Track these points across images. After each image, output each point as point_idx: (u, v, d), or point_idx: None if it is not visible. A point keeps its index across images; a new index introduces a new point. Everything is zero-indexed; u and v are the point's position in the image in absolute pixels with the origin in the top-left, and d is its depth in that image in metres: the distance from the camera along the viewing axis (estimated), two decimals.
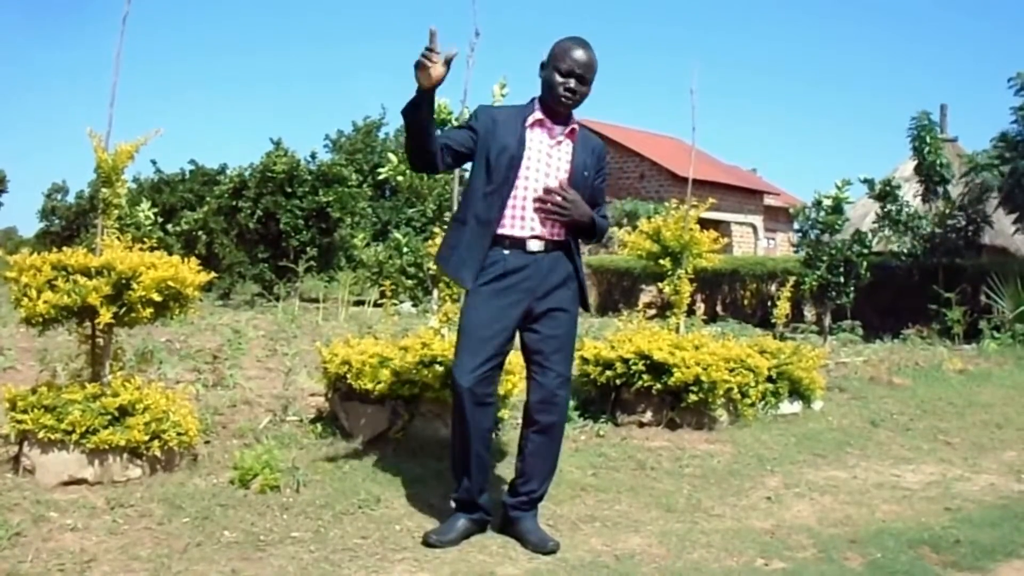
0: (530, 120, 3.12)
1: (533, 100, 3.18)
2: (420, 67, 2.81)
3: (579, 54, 3.07)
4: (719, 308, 14.70)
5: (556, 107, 3.10)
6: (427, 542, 3.04)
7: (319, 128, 67.65)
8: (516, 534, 3.12)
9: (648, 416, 4.85)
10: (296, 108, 74.34)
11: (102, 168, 3.44)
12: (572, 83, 3.06)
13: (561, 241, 3.14)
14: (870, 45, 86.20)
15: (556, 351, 3.10)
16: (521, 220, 3.08)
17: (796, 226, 11.31)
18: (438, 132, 3.10)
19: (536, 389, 3.12)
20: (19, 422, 3.28)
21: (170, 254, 3.54)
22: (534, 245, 3.08)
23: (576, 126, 3.17)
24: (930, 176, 12.07)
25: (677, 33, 78.01)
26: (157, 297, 3.33)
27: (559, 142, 3.14)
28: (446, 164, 3.12)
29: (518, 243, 3.08)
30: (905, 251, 12.08)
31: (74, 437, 3.23)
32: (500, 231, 3.07)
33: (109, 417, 3.29)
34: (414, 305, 12.69)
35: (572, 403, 4.87)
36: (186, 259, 3.54)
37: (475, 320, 3.05)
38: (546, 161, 3.11)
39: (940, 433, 5.42)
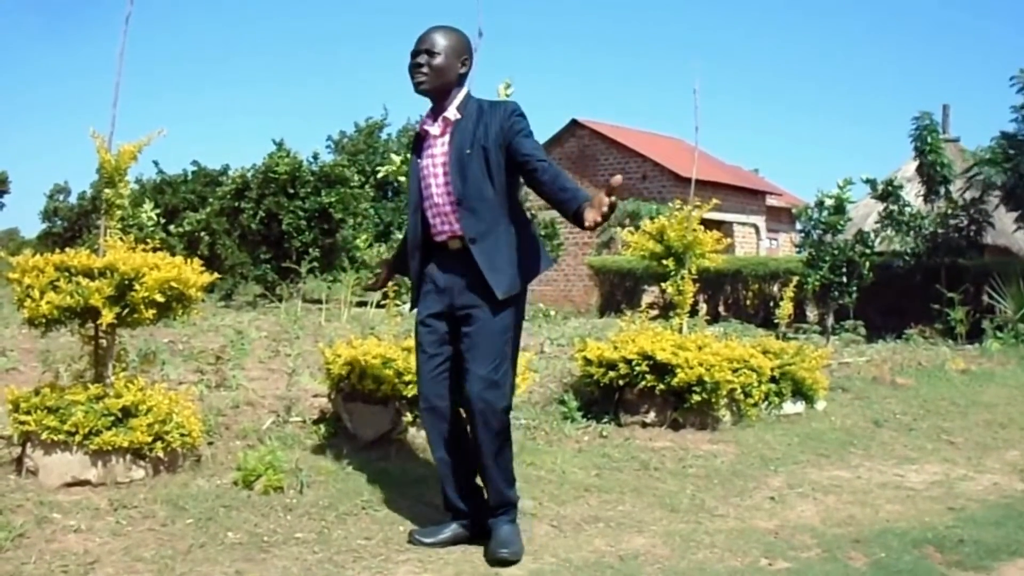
0: (419, 129, 3.17)
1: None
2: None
3: (423, 34, 3.05)
4: (722, 308, 14.70)
5: (419, 91, 3.06)
6: (410, 540, 3.04)
7: (321, 129, 67.74)
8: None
9: (651, 416, 4.84)
10: (298, 109, 74.44)
11: (105, 169, 3.44)
12: (419, 59, 3.02)
13: (461, 235, 3.05)
14: (872, 45, 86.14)
15: (469, 350, 3.00)
16: (431, 226, 3.12)
17: (799, 226, 11.33)
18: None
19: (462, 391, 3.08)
20: (22, 423, 3.28)
21: (173, 255, 3.54)
22: (452, 244, 3.09)
23: (450, 115, 3.06)
24: (932, 176, 12.06)
25: (679, 33, 78.06)
26: (160, 298, 3.33)
27: (435, 137, 3.10)
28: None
29: (440, 247, 3.12)
30: (908, 251, 12.06)
31: (77, 438, 3.23)
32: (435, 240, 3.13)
33: (112, 418, 3.29)
34: None
35: (575, 403, 4.88)
36: (189, 260, 3.53)
37: (418, 331, 3.13)
38: (430, 162, 3.09)
39: (943, 433, 5.41)
